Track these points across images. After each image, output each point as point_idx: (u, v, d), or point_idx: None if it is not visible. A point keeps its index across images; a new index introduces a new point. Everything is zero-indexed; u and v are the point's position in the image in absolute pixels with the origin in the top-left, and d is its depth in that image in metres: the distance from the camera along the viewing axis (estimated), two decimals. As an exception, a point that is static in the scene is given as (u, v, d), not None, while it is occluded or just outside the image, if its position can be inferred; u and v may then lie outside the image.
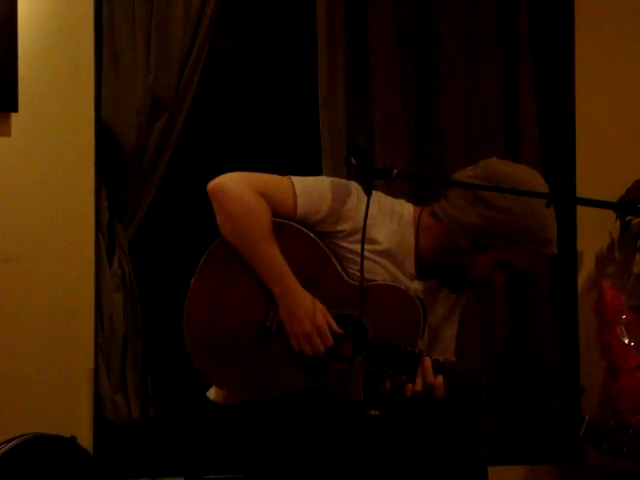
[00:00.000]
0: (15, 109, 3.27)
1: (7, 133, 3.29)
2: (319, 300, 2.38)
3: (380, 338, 2.38)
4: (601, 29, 3.94)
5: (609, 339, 3.54)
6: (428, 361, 2.37)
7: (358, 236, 2.39)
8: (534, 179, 2.42)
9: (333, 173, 3.55)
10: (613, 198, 3.69)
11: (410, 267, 2.50)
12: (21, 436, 2.90)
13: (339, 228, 2.43)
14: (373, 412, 2.37)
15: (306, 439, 2.31)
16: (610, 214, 3.79)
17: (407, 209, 2.53)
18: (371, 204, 2.40)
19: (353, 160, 2.42)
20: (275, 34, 3.92)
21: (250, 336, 2.38)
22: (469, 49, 3.84)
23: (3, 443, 2.88)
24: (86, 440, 3.21)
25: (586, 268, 3.93)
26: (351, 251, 2.42)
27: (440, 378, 2.37)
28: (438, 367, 2.38)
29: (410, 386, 2.38)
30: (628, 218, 3.82)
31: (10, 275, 3.29)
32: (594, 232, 3.91)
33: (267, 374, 2.38)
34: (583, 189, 3.87)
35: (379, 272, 2.44)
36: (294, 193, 2.41)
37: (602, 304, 3.63)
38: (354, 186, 2.47)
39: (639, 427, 2.40)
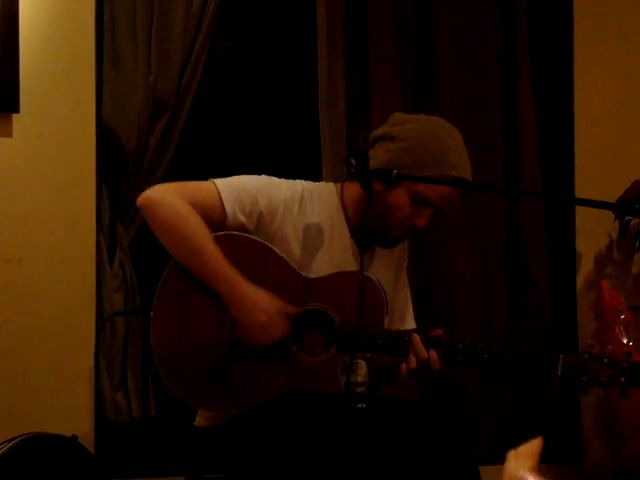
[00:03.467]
0: (16, 110, 3.27)
1: (8, 134, 3.29)
2: (283, 300, 2.39)
3: (348, 325, 2.39)
4: (600, 30, 3.95)
5: (608, 339, 3.55)
6: (416, 338, 2.39)
7: (291, 229, 2.44)
8: (439, 120, 2.51)
9: (333, 174, 3.56)
10: (612, 199, 3.70)
11: (346, 241, 2.53)
12: (22, 435, 2.90)
13: (274, 226, 2.45)
14: (360, 405, 2.38)
15: (296, 441, 2.29)
16: (609, 214, 3.80)
17: (329, 188, 2.57)
18: (295, 192, 2.49)
19: (353, 161, 2.44)
20: (275, 35, 3.93)
21: (220, 352, 2.38)
22: (469, 49, 3.86)
23: (4, 442, 2.88)
24: (87, 439, 3.21)
25: (585, 268, 3.94)
26: (290, 251, 2.45)
27: (433, 352, 2.38)
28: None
29: (404, 365, 2.40)
30: (627, 218, 3.83)
31: (11, 275, 3.29)
32: (593, 232, 3.92)
33: (246, 385, 2.38)
34: (582, 190, 3.89)
35: (320, 258, 2.47)
36: (220, 197, 2.43)
37: (601, 304, 3.64)
38: (274, 181, 2.51)
39: (613, 355, 2.44)
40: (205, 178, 2.67)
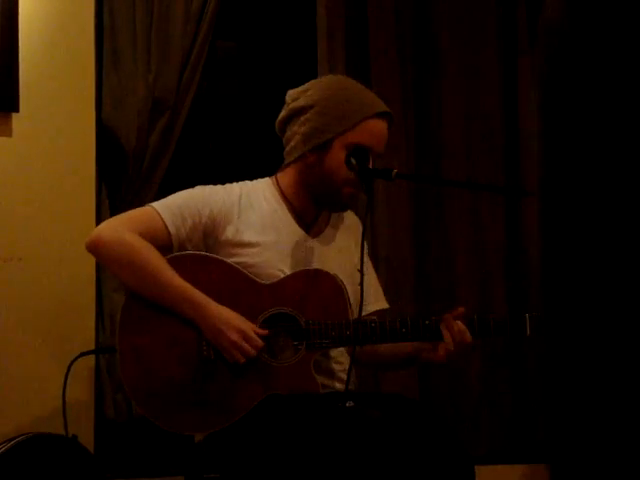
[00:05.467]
0: (16, 109, 3.27)
1: (8, 133, 3.29)
2: (245, 310, 2.41)
3: (313, 323, 2.41)
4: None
5: (607, 338, 3.55)
6: (449, 318, 2.41)
7: (237, 232, 2.47)
8: (332, 76, 2.67)
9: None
10: (612, 198, 3.70)
11: (294, 230, 2.55)
12: (22, 435, 2.90)
13: (221, 233, 2.47)
14: (348, 403, 2.38)
15: (289, 445, 2.29)
16: (609, 214, 3.80)
17: (265, 182, 2.62)
18: (233, 195, 2.52)
19: (353, 160, 2.46)
20: (275, 35, 3.93)
21: (193, 374, 2.39)
22: (469, 48, 3.86)
23: (4, 442, 2.88)
24: (87, 439, 3.22)
25: (585, 268, 3.94)
26: (241, 254, 2.47)
27: (463, 325, 2.40)
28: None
29: (442, 350, 2.41)
30: (626, 218, 3.84)
31: (11, 274, 3.29)
32: (593, 232, 3.92)
33: (225, 400, 2.39)
34: (582, 189, 3.88)
35: (271, 254, 2.48)
36: (162, 219, 2.46)
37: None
38: (211, 189, 2.54)
39: None
40: (205, 178, 2.68)
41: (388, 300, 2.72)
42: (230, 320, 2.38)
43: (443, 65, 3.81)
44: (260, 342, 2.38)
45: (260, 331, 2.40)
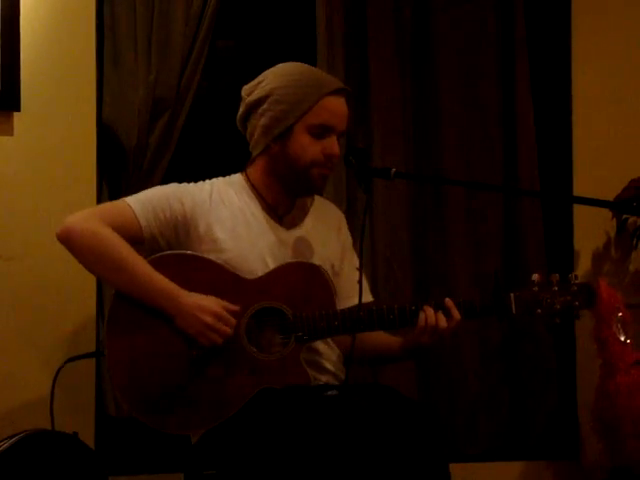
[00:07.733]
0: (17, 108, 3.29)
1: (10, 132, 3.30)
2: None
3: (301, 315, 2.42)
4: (598, 29, 3.96)
5: (605, 337, 3.56)
6: (429, 310, 2.44)
7: (209, 228, 2.48)
8: (281, 64, 2.61)
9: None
10: (610, 197, 3.71)
11: (266, 221, 2.56)
12: (23, 432, 2.91)
13: (194, 233, 2.49)
14: (330, 392, 2.39)
15: (275, 438, 2.29)
16: (607, 213, 3.82)
17: (236, 177, 2.63)
18: (204, 191, 2.52)
19: (352, 159, 2.47)
20: (275, 34, 3.94)
21: (183, 372, 2.40)
22: (467, 49, 3.87)
23: (5, 439, 2.89)
24: (88, 436, 3.23)
25: (583, 266, 3.95)
26: (214, 250, 2.48)
27: (440, 314, 2.45)
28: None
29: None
30: (624, 217, 3.85)
31: (11, 273, 3.30)
32: (591, 231, 3.93)
33: (216, 398, 2.40)
34: (580, 188, 3.90)
35: (246, 249, 2.48)
36: (134, 213, 2.47)
37: (598, 302, 3.65)
38: (183, 186, 2.56)
39: (560, 280, 2.47)
40: (205, 177, 2.69)
41: (386, 298, 2.73)
42: (202, 305, 2.38)
43: (442, 65, 3.81)
44: (233, 319, 2.38)
45: (232, 307, 2.40)
